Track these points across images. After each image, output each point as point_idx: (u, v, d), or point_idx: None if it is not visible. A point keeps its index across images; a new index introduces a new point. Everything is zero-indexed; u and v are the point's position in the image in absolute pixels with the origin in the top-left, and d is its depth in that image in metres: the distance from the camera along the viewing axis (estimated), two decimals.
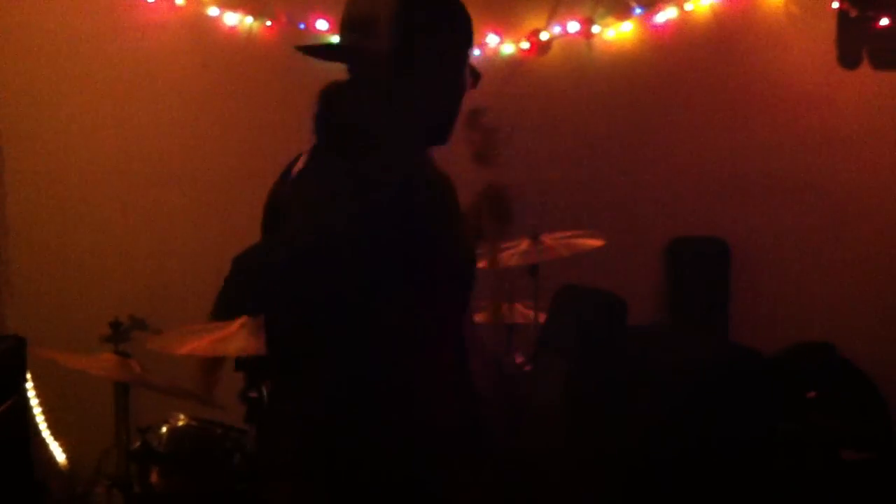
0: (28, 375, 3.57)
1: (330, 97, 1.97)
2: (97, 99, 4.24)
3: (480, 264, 2.04)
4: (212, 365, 3.45)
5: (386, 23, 1.93)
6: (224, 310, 3.04)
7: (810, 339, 3.98)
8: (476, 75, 1.99)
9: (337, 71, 2.08)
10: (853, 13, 4.19)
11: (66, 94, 4.22)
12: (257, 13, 4.24)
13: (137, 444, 3.01)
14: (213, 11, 4.23)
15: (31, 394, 3.74)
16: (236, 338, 2.77)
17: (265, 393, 2.84)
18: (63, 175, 4.24)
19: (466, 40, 1.98)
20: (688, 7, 4.29)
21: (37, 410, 3.67)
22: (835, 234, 4.36)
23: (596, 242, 3.52)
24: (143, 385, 3.00)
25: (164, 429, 3.04)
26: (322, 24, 4.27)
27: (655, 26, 4.31)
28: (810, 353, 3.90)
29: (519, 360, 3.39)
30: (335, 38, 4.26)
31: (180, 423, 3.06)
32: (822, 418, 3.54)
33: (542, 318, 3.48)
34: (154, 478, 2.98)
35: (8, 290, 3.68)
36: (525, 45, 4.31)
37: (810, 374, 3.81)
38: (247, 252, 2.36)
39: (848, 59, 4.28)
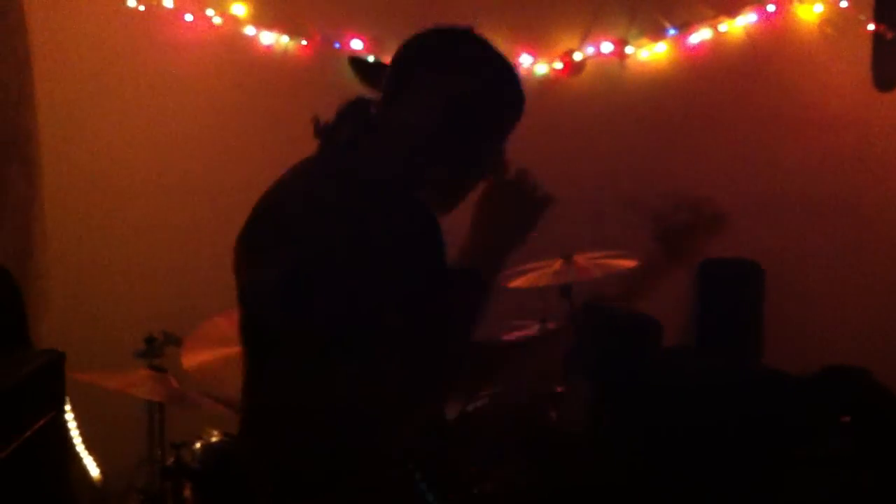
0: None
1: (345, 109, 1.95)
2: (134, 116, 4.29)
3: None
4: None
5: (397, 58, 1.93)
6: None
7: (845, 363, 3.94)
8: (499, 167, 1.92)
9: (359, 92, 2.07)
10: (889, 35, 4.17)
11: (103, 111, 4.27)
12: (293, 33, 4.28)
13: (171, 459, 3.02)
14: (249, 31, 4.27)
15: (67, 407, 3.77)
16: None
17: None
18: (99, 191, 4.28)
19: (494, 124, 1.92)
20: (722, 28, 4.29)
21: (71, 425, 3.70)
22: (870, 256, 4.32)
23: (629, 263, 3.50)
24: (180, 402, 3.01)
25: (197, 445, 3.05)
26: (357, 44, 4.29)
27: (689, 47, 4.31)
28: (844, 376, 3.86)
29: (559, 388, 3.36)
30: (369, 58, 4.32)
31: (214, 440, 3.07)
32: (852, 443, 3.50)
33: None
34: (187, 493, 2.99)
35: (45, 304, 3.70)
36: (558, 65, 4.31)
37: (844, 399, 3.77)
38: None
39: (883, 81, 4.25)
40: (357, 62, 2.13)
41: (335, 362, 1.67)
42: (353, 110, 1.92)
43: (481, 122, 1.89)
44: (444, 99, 1.85)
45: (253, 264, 1.80)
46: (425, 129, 1.85)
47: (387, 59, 1.99)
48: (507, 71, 1.95)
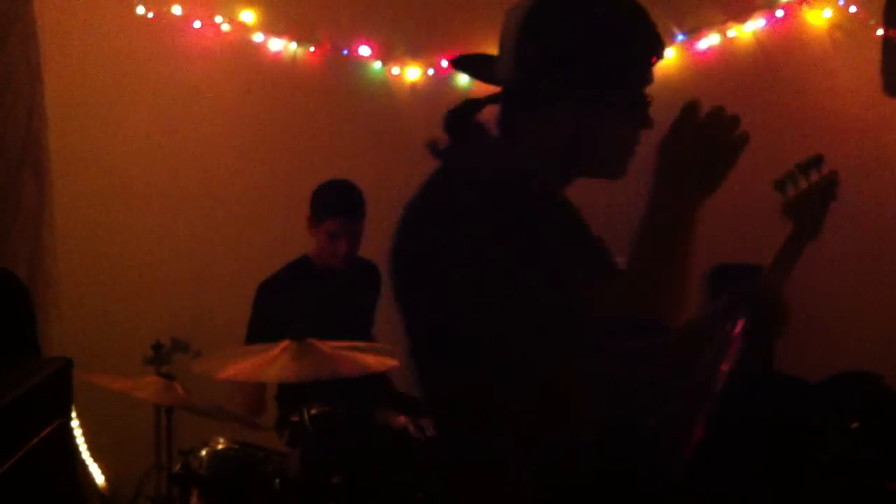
0: None
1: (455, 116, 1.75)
2: (143, 123, 4.30)
3: None
4: (259, 389, 3.46)
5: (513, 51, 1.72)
6: None
7: (856, 368, 3.93)
8: (647, 123, 1.77)
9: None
10: None
11: (113, 118, 4.28)
12: (301, 39, 4.29)
13: (178, 466, 3.02)
14: (258, 37, 4.28)
15: (73, 414, 3.78)
16: (278, 362, 2.78)
17: (307, 417, 2.85)
18: (109, 198, 4.29)
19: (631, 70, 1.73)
20: (731, 33, 4.28)
21: (77, 432, 3.71)
22: (881, 261, 4.30)
23: None
24: (187, 408, 3.01)
25: (204, 451, 3.05)
26: (365, 50, 4.30)
27: (698, 52, 4.30)
28: (855, 382, 3.85)
29: None
30: (377, 64, 4.32)
31: (220, 447, 3.06)
32: (865, 448, 3.49)
33: None
34: (194, 500, 2.99)
35: (54, 311, 3.71)
36: None
37: (855, 404, 3.76)
38: None
39: (893, 85, 4.23)
40: (461, 62, 1.98)
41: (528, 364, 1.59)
42: (465, 117, 1.75)
43: (620, 73, 1.72)
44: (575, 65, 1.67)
45: (425, 278, 1.70)
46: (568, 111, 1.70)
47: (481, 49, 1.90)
48: (618, 7, 1.75)
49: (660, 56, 1.77)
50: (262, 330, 3.38)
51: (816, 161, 2.08)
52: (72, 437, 3.42)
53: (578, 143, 1.73)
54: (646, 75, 1.76)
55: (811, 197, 2.15)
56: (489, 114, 1.78)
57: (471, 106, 1.74)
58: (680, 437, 1.73)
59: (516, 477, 1.65)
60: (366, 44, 4.30)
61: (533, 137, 1.73)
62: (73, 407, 3.54)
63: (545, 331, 1.56)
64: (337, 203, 3.62)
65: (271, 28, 4.28)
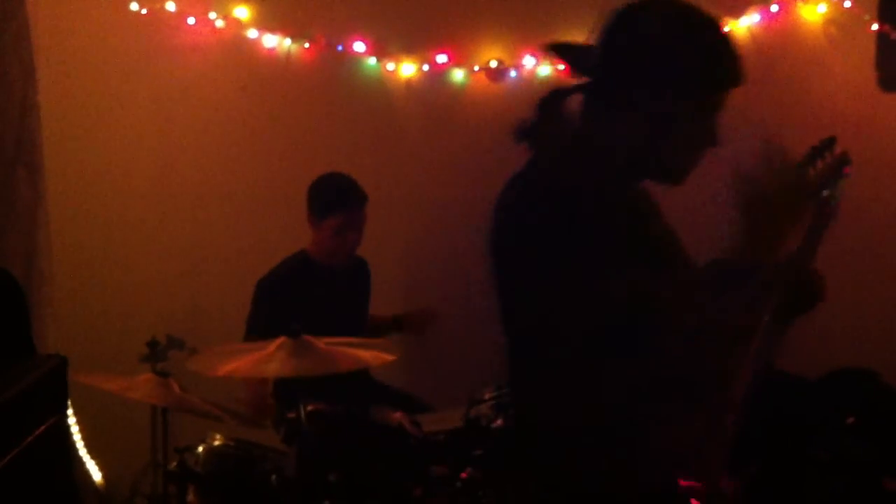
0: None
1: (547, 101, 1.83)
2: (137, 119, 4.29)
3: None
4: (262, 387, 3.46)
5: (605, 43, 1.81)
6: None
7: (852, 364, 3.93)
8: (713, 141, 1.86)
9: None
10: (893, 35, 4.16)
11: (106, 115, 4.27)
12: (296, 35, 4.28)
13: (174, 463, 3.01)
14: (252, 34, 4.27)
15: (69, 412, 3.76)
16: (275, 359, 2.77)
17: (303, 415, 2.84)
18: (103, 195, 4.28)
19: (710, 82, 1.83)
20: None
21: (74, 429, 3.70)
22: (876, 258, 4.30)
23: None
24: (182, 408, 3.01)
25: (200, 449, 3.05)
26: (359, 46, 4.30)
27: None
28: (851, 378, 3.85)
29: None
30: (372, 60, 4.32)
31: (217, 444, 3.06)
32: (862, 445, 3.49)
33: None
34: (191, 498, 2.99)
35: (49, 309, 3.70)
36: (562, 66, 4.29)
37: (851, 400, 3.76)
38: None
39: (887, 80, 4.24)
40: (559, 48, 2.04)
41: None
42: (554, 106, 1.82)
43: (699, 89, 1.82)
44: (661, 79, 1.78)
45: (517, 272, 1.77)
46: (651, 119, 1.80)
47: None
48: (711, 30, 1.86)
49: (737, 85, 1.87)
50: (262, 326, 3.38)
51: (830, 143, 2.15)
52: (68, 435, 3.42)
53: (650, 148, 1.82)
54: (722, 99, 1.87)
55: (826, 176, 2.20)
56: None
57: (558, 94, 1.82)
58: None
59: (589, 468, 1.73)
60: (360, 40, 4.29)
61: (610, 136, 1.81)
62: (70, 404, 3.54)
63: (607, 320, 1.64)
64: (341, 198, 3.65)
65: (266, 24, 4.27)
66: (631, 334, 1.67)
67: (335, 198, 3.65)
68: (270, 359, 2.77)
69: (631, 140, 1.80)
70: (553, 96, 1.81)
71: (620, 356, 1.67)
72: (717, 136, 1.87)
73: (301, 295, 3.59)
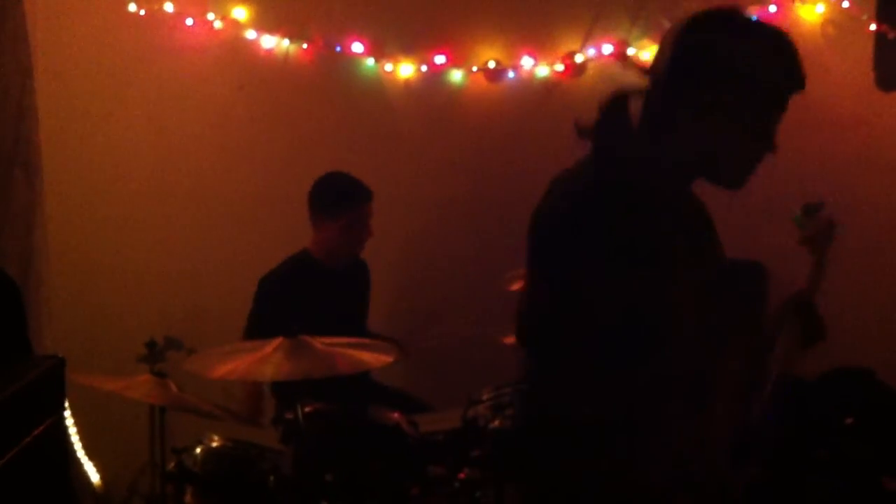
0: None
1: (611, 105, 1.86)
2: (136, 120, 4.29)
3: None
4: (258, 388, 3.46)
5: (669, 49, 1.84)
6: None
7: (850, 364, 3.93)
8: (770, 146, 1.88)
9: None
10: (891, 35, 4.16)
11: (104, 116, 4.27)
12: (294, 36, 4.28)
13: (172, 464, 3.01)
14: (250, 34, 4.27)
15: (67, 413, 3.76)
16: (272, 360, 2.77)
17: (300, 414, 2.84)
18: (101, 196, 4.28)
19: (768, 93, 1.84)
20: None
21: (71, 430, 3.70)
22: (874, 258, 4.30)
23: None
24: (180, 408, 3.00)
25: (198, 449, 3.04)
26: (357, 47, 4.30)
27: None
28: (849, 378, 3.85)
29: None
30: (370, 61, 4.32)
31: (215, 444, 3.06)
32: (860, 445, 3.49)
33: None
34: (189, 498, 2.98)
35: (46, 310, 3.70)
36: (559, 67, 4.31)
37: (849, 400, 3.76)
38: None
39: (885, 80, 4.24)
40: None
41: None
42: (617, 108, 1.85)
43: (763, 94, 1.84)
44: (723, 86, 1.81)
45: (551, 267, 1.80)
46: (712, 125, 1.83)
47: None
48: (777, 35, 1.88)
49: (801, 89, 1.87)
50: (264, 325, 3.37)
51: (818, 207, 2.57)
52: (66, 436, 3.41)
53: (708, 152, 1.85)
54: (783, 104, 1.87)
55: (817, 239, 2.59)
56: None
57: (622, 97, 1.84)
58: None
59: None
60: (359, 40, 4.29)
61: (669, 137, 1.83)
62: (67, 405, 3.53)
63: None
64: (350, 196, 3.67)
65: (264, 25, 4.27)
66: (663, 335, 1.70)
67: (344, 196, 3.68)
68: (267, 361, 2.76)
69: (693, 143, 1.83)
70: (616, 97, 1.84)
71: (650, 356, 1.70)
72: (774, 140, 1.88)
73: (303, 294, 3.60)
